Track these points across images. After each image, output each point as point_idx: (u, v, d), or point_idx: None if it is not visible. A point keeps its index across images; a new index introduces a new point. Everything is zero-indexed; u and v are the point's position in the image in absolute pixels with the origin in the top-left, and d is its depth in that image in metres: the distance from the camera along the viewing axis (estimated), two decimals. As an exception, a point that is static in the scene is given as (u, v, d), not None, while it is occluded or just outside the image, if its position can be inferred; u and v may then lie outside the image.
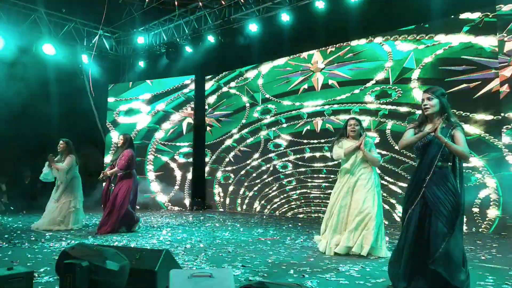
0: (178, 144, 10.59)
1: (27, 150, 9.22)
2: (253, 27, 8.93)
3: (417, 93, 7.16)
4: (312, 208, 8.59)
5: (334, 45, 8.40)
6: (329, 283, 3.35)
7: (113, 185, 6.36)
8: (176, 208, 10.29)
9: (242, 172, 9.77)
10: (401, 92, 7.45)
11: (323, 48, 8.59)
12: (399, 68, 7.47)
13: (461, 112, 6.58)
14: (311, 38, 8.56)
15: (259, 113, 9.50)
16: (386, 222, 6.24)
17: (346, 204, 4.52)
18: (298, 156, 8.89)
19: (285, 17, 8.41)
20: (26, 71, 9.96)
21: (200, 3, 9.29)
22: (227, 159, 10.05)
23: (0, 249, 4.67)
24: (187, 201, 10.26)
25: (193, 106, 10.58)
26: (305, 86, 8.80)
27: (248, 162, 9.67)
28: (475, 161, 6.46)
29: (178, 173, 10.47)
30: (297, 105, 8.94)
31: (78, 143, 9.64)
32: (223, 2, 9.09)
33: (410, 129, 3.24)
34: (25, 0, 9.43)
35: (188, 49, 10.27)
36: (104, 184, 6.47)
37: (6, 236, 5.61)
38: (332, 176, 8.29)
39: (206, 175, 10.43)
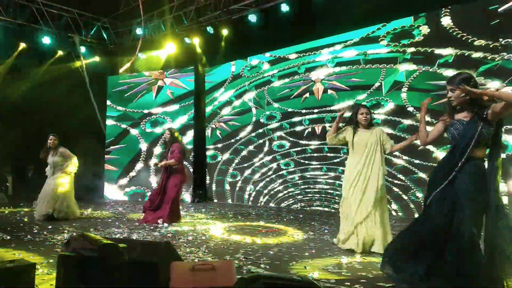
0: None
1: (28, 142, 9.21)
2: (252, 18, 8.86)
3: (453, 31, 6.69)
4: (313, 202, 8.61)
5: (331, 60, 8.32)
6: (331, 275, 3.35)
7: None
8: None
9: (248, 171, 9.74)
10: (428, 29, 6.99)
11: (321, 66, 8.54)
12: (391, 81, 7.43)
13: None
14: (311, 28, 8.45)
15: (265, 119, 9.44)
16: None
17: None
18: (300, 156, 8.89)
19: (285, 8, 8.33)
20: (25, 63, 9.92)
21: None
22: (236, 160, 9.97)
23: (2, 242, 4.67)
24: (187, 195, 10.31)
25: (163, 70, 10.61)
26: (307, 95, 8.75)
27: (254, 161, 9.63)
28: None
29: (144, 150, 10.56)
30: (299, 112, 8.88)
31: (78, 135, 9.70)
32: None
33: (440, 121, 3.08)
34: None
35: (188, 40, 10.20)
36: (161, 176, 6.60)
37: (8, 228, 5.61)
38: (332, 173, 8.30)
39: (205, 169, 10.44)
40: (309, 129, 8.69)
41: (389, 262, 3.01)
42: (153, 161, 10.06)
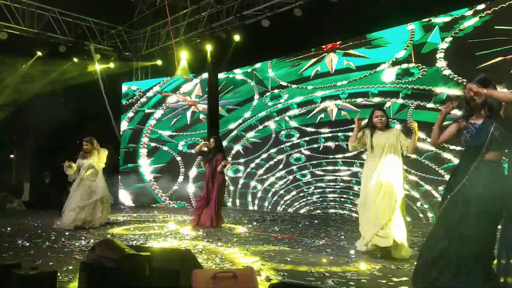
0: (183, 133, 10.69)
1: (44, 149, 9.36)
2: (265, 23, 8.88)
3: (445, 72, 6.96)
4: (328, 204, 8.55)
5: (350, 41, 8.33)
6: (350, 282, 3.31)
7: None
8: (175, 205, 10.42)
9: (253, 165, 9.74)
10: (425, 70, 7.23)
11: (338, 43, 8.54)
12: (422, 44, 7.28)
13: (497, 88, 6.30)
14: (326, 32, 8.48)
15: (269, 99, 9.37)
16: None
17: None
18: (311, 146, 8.86)
19: (297, 13, 8.33)
20: (41, 71, 10.10)
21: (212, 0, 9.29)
22: (235, 151, 10.04)
23: (22, 248, 4.73)
24: (192, 197, 10.32)
25: (197, 94, 10.68)
26: (318, 69, 8.70)
27: (258, 153, 9.66)
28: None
29: (182, 167, 10.60)
30: (309, 89, 8.85)
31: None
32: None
33: (454, 123, 3.05)
34: (39, 1, 9.54)
35: (201, 46, 10.28)
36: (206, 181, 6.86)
37: (27, 235, 5.69)
38: (352, 168, 8.22)
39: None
40: (322, 115, 8.71)
41: (420, 277, 2.92)
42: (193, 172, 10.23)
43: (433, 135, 3.18)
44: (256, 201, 9.82)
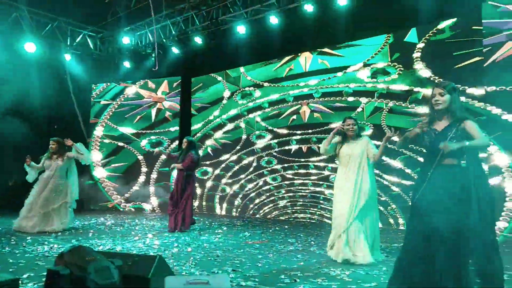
0: (148, 131, 10.56)
1: (9, 150, 9.01)
2: (241, 29, 8.89)
3: (423, 73, 7.04)
4: (298, 208, 8.61)
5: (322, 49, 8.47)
6: (321, 287, 3.34)
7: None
8: (132, 208, 10.29)
9: (222, 165, 9.70)
10: (402, 70, 7.31)
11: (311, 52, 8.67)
12: (399, 44, 7.38)
13: (474, 87, 6.38)
14: (300, 41, 8.58)
15: (240, 97, 9.35)
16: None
17: None
18: (287, 172, 8.86)
19: (273, 20, 8.39)
20: (8, 70, 9.72)
21: (187, 5, 9.22)
22: (226, 175, 9.83)
23: (-20, 254, 4.51)
24: (154, 201, 10.22)
25: (164, 90, 10.56)
26: (292, 67, 8.74)
27: (227, 156, 9.61)
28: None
29: (144, 168, 10.43)
30: (282, 87, 8.88)
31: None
32: (212, 5, 9.04)
33: (416, 127, 3.12)
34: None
35: (175, 50, 10.18)
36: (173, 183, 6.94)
37: (-14, 239, 5.43)
38: (317, 188, 8.34)
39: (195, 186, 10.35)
40: (296, 147, 8.74)
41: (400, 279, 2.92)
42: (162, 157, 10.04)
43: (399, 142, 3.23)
44: (224, 205, 9.74)
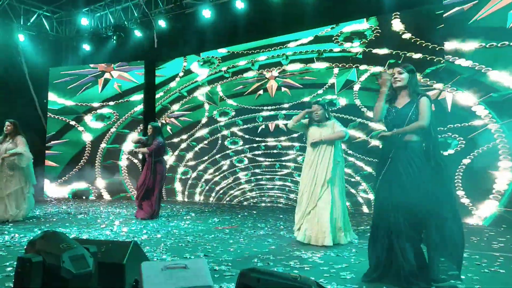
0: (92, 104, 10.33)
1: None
2: (206, 13, 8.72)
3: (356, 102, 7.55)
4: (266, 198, 8.68)
5: (285, 57, 8.47)
6: (294, 270, 3.39)
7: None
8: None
9: (201, 167, 9.57)
10: (345, 103, 7.70)
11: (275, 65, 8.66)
12: (343, 80, 7.73)
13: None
14: (266, 26, 8.54)
15: (218, 115, 9.34)
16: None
17: None
18: (254, 152, 8.90)
19: (239, 4, 8.29)
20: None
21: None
22: (187, 156, 9.74)
23: None
24: (100, 183, 10.15)
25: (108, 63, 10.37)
26: (261, 92, 8.82)
27: (206, 158, 9.47)
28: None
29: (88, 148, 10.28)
30: (253, 108, 8.91)
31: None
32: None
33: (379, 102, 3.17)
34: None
35: (138, 33, 9.85)
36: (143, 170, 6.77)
37: None
38: (285, 170, 8.43)
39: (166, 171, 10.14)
40: (263, 126, 8.75)
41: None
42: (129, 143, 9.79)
43: (377, 111, 3.15)
44: (187, 189, 9.66)
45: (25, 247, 2.05)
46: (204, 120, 9.49)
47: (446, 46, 6.43)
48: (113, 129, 10.18)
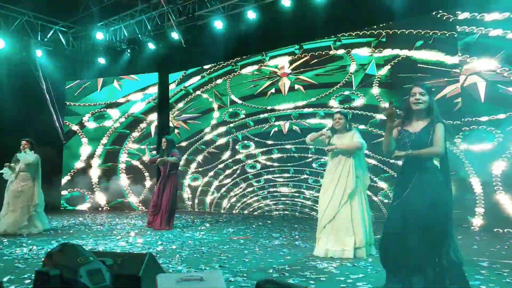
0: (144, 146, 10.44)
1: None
2: (218, 24, 8.82)
3: (379, 99, 7.48)
4: (281, 206, 8.63)
5: (297, 45, 8.50)
6: (310, 280, 3.36)
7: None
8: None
9: (211, 173, 9.63)
10: (363, 97, 7.69)
11: (288, 54, 8.69)
12: (361, 74, 7.72)
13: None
14: (277, 36, 8.58)
15: (228, 116, 9.37)
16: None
17: None
18: (266, 156, 8.91)
19: (251, 15, 8.36)
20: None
21: (162, 2, 9.07)
22: (195, 162, 9.84)
23: (-45, 259, 4.33)
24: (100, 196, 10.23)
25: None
26: (273, 90, 8.85)
27: (216, 163, 9.53)
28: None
29: (147, 175, 10.30)
30: (265, 108, 8.95)
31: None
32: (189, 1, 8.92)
33: (394, 127, 3.02)
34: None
35: (151, 45, 9.99)
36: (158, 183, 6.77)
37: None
38: (299, 175, 8.37)
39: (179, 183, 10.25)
40: (276, 129, 8.74)
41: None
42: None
43: (386, 145, 3.06)
44: (197, 199, 9.71)
45: (42, 259, 2.07)
46: (213, 123, 9.54)
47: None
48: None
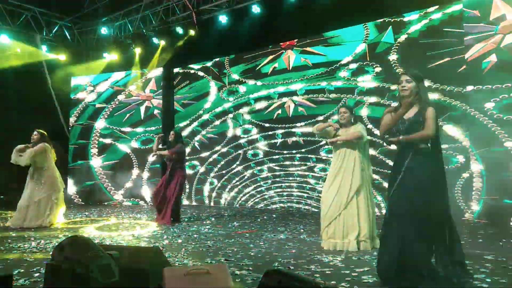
0: (137, 129, 10.56)
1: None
2: (223, 19, 8.81)
3: (398, 71, 7.23)
4: (286, 198, 8.66)
5: (307, 39, 8.48)
6: (315, 274, 3.38)
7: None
8: (129, 202, 10.23)
9: (210, 160, 9.72)
10: (379, 68, 7.53)
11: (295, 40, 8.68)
12: (376, 43, 7.58)
13: (445, 86, 6.73)
14: (283, 30, 8.55)
15: (241, 132, 9.40)
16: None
17: None
18: (269, 142, 8.95)
19: (256, 9, 8.34)
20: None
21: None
22: (191, 146, 9.98)
23: (-36, 252, 4.39)
24: (147, 194, 10.18)
25: (152, 88, 10.54)
26: (276, 65, 8.84)
27: (215, 149, 9.65)
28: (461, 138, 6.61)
29: (135, 163, 10.42)
30: (267, 85, 8.98)
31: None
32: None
33: (387, 113, 3.22)
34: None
35: (156, 40, 10.01)
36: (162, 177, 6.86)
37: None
38: (307, 163, 8.36)
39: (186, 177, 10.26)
40: (281, 140, 8.78)
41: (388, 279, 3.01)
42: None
43: (387, 126, 3.19)
44: (213, 197, 9.74)
45: (51, 252, 2.10)
46: (228, 136, 9.60)
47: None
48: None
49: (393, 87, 7.27)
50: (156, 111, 10.48)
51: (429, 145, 3.07)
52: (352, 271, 3.43)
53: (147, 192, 10.21)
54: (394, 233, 2.98)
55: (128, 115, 10.61)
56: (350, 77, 7.88)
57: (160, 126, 10.27)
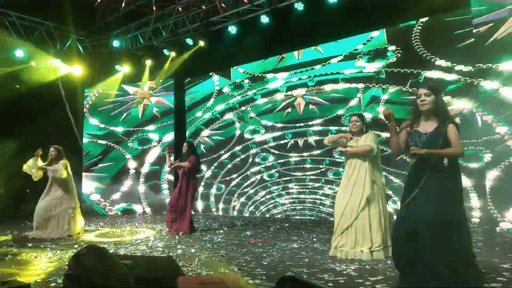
0: (135, 129, 10.60)
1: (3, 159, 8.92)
2: (232, 30, 8.92)
3: (421, 53, 6.87)
4: (297, 211, 8.61)
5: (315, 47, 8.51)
6: (328, 283, 3.37)
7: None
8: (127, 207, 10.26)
9: (215, 164, 9.73)
10: (400, 52, 7.22)
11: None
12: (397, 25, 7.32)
13: (471, 66, 6.36)
14: (291, 40, 8.60)
15: (249, 133, 9.36)
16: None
17: None
18: (284, 167, 8.82)
19: (264, 19, 8.43)
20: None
21: (180, 8, 9.21)
22: (220, 173, 9.83)
23: (-17, 263, 4.47)
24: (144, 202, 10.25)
25: (151, 86, 10.66)
26: (289, 110, 8.74)
27: (238, 175, 9.50)
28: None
29: (132, 169, 10.49)
30: (274, 77, 8.94)
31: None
32: (203, 7, 9.03)
33: (402, 129, 3.11)
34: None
35: (167, 52, 10.15)
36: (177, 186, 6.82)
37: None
38: (320, 166, 8.25)
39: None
40: (292, 142, 8.75)
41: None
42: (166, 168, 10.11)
43: (394, 147, 3.11)
44: (221, 205, 9.73)
45: (67, 262, 2.14)
46: (235, 138, 9.60)
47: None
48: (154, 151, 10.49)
49: (415, 72, 6.94)
50: (155, 110, 10.51)
51: (445, 161, 2.97)
52: (365, 280, 3.41)
53: (143, 197, 10.27)
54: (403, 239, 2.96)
55: (125, 114, 10.66)
56: (367, 64, 7.59)
57: (166, 123, 10.35)
